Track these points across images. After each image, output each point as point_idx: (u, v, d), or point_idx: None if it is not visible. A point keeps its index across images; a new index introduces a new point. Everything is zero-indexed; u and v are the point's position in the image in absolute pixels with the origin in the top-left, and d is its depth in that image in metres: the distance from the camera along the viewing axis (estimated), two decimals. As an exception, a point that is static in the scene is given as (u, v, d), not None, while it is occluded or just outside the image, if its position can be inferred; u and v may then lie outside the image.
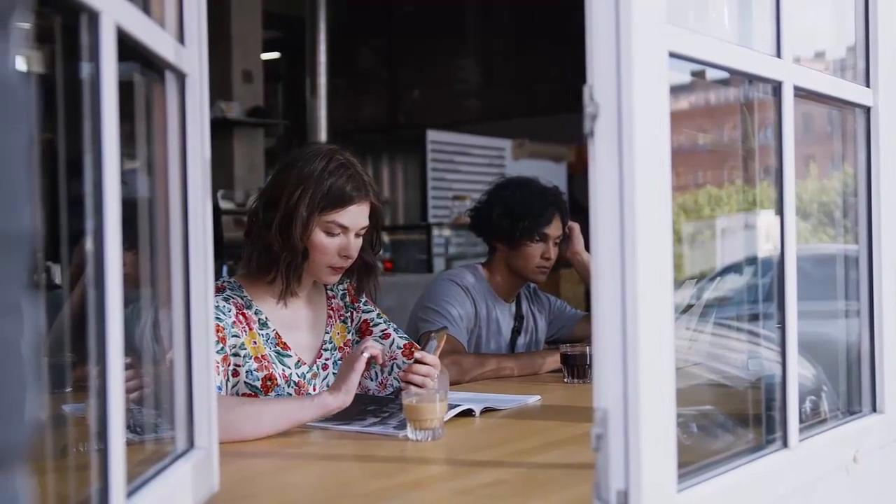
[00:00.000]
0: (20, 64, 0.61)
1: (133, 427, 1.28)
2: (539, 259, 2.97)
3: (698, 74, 1.46)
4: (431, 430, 1.84)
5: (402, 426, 1.91)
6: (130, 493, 1.06)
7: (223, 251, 5.30)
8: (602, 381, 1.16)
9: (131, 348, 1.11)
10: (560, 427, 2.04)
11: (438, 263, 7.30)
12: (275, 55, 10.61)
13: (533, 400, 2.33)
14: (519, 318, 3.11)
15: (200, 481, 1.33)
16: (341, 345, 2.35)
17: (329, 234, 2.17)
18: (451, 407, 2.03)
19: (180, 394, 1.33)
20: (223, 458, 1.44)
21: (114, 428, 0.98)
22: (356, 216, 2.19)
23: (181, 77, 1.31)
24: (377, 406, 2.14)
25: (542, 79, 9.49)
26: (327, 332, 2.33)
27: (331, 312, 2.35)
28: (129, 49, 1.09)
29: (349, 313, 2.39)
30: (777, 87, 1.49)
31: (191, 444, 1.34)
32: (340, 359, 2.31)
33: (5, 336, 0.54)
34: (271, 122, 8.32)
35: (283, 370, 2.19)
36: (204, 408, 1.36)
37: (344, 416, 2.00)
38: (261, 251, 2.19)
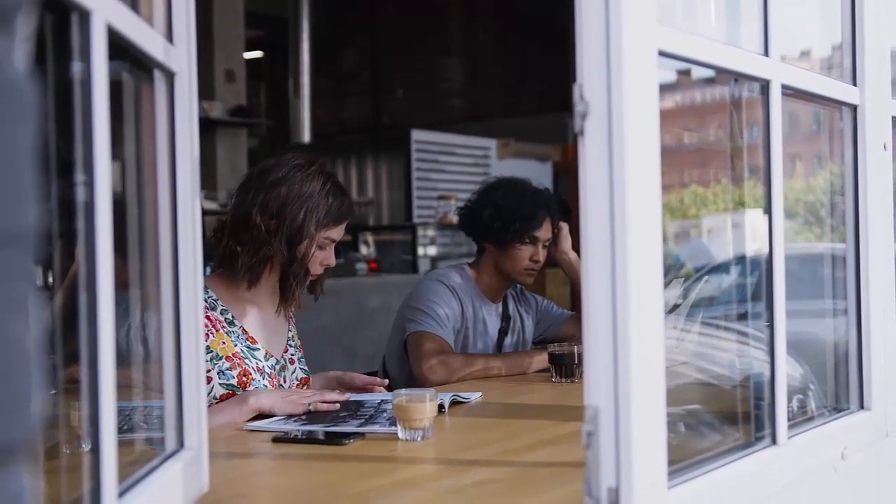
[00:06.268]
0: (25, 62, 0.61)
1: (121, 427, 1.27)
2: (528, 261, 2.96)
3: (683, 73, 1.46)
4: (421, 429, 1.84)
5: (395, 422, 1.89)
6: (121, 494, 1.05)
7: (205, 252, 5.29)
8: (593, 378, 1.16)
9: (118, 349, 1.11)
10: (549, 426, 2.04)
11: (423, 264, 7.28)
12: (257, 54, 10.58)
13: (475, 397, 2.33)
14: (506, 318, 3.11)
15: (190, 481, 1.32)
16: (298, 344, 2.45)
17: (321, 248, 2.26)
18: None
19: (170, 395, 1.33)
20: (212, 459, 1.44)
21: (105, 429, 0.98)
22: (343, 230, 2.31)
23: (170, 76, 1.31)
24: (353, 409, 2.12)
25: (527, 78, 9.51)
26: (290, 331, 2.43)
27: (290, 314, 2.44)
28: (117, 47, 1.08)
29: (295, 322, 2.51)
30: (765, 86, 1.49)
31: (181, 444, 1.33)
32: (301, 357, 2.42)
33: (13, 333, 0.55)
34: (254, 121, 8.27)
35: (257, 363, 2.25)
36: (193, 408, 1.35)
37: (330, 420, 2.00)
38: (262, 261, 2.22)
